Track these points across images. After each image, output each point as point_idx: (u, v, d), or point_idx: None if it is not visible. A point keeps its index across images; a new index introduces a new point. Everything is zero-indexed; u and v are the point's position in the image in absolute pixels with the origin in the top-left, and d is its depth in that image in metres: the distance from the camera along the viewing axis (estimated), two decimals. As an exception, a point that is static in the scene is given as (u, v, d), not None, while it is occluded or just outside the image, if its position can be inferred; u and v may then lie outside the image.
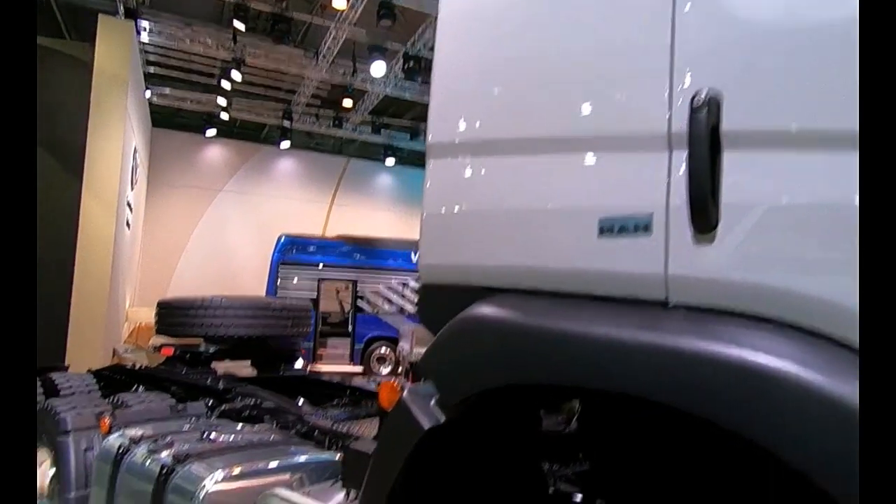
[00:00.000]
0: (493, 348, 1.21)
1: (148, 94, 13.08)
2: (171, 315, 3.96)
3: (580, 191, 1.27)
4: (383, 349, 14.17)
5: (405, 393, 1.40)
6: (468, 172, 1.46)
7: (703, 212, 1.07)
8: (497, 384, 1.20)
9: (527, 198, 1.34)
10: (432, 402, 1.34)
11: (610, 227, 1.19)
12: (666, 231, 1.12)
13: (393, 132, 16.85)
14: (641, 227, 1.15)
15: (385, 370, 12.93)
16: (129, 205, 10.15)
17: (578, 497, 1.87)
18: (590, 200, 1.24)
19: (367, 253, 15.04)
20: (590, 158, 1.26)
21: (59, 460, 2.88)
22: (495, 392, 1.27)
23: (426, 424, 1.32)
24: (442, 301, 1.44)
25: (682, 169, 1.09)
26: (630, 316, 1.11)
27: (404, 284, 15.37)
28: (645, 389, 1.01)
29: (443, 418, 1.32)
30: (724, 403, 0.92)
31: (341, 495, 1.78)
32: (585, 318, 1.14)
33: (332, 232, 16.70)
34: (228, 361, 4.23)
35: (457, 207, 1.47)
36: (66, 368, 4.68)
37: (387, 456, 1.41)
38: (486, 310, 1.29)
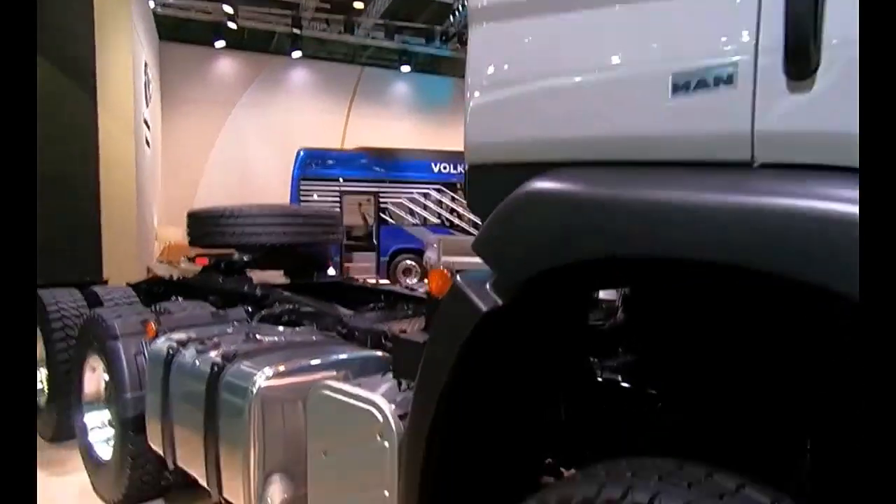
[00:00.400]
0: (561, 222, 1.13)
1: (151, 3, 12.56)
2: (202, 225, 3.96)
3: (649, 44, 1.13)
4: (408, 261, 14.34)
5: (458, 277, 1.35)
6: (518, 34, 1.31)
7: (801, 54, 0.93)
8: (564, 261, 1.13)
9: (587, 58, 1.21)
10: (488, 285, 1.29)
11: (685, 84, 1.06)
12: (753, 81, 0.99)
13: (407, 37, 16.08)
14: (723, 79, 1.02)
15: (411, 282, 13.14)
16: (146, 122, 10.02)
17: (627, 385, 1.87)
18: (661, 54, 1.11)
19: (387, 165, 14.86)
20: (659, 4, 1.11)
21: (111, 365, 2.99)
22: (549, 276, 1.20)
23: (483, 308, 1.27)
24: (492, 182, 1.35)
25: (776, 3, 0.95)
26: (713, 179, 1.01)
27: (426, 195, 15.31)
28: (734, 256, 0.92)
29: (500, 301, 1.27)
30: (829, 266, 0.83)
31: (392, 386, 1.79)
32: (663, 185, 1.04)
33: (350, 144, 16.45)
34: (261, 271, 4.27)
35: (506, 76, 1.34)
36: (105, 283, 4.80)
37: (442, 342, 1.38)
38: (548, 183, 1.19)
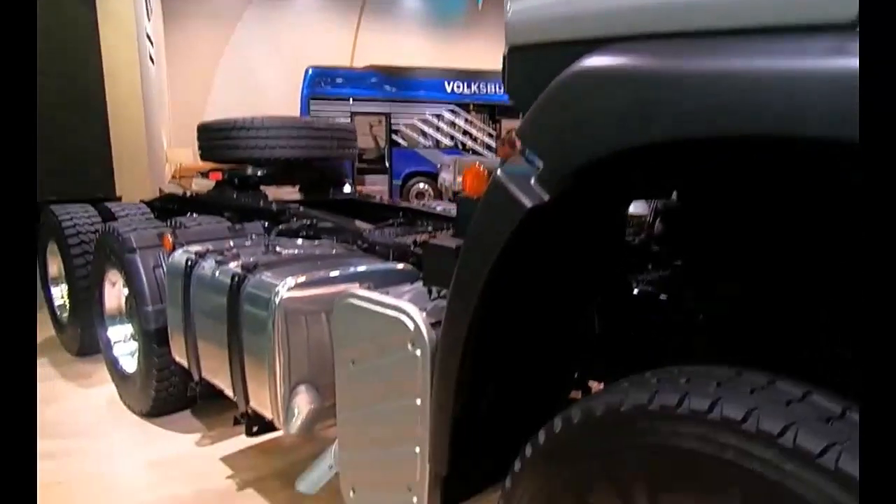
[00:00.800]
0: (623, 102, 0.99)
1: None
2: (213, 138, 3.82)
3: None
4: (421, 185, 14.14)
5: (498, 172, 1.23)
6: None
7: None
8: (625, 145, 0.99)
9: None
10: (532, 179, 1.17)
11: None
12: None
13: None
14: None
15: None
16: (149, 38, 9.62)
17: (663, 297, 1.79)
18: None
19: (399, 84, 14.35)
20: None
21: (130, 279, 2.95)
22: (600, 168, 1.08)
23: (528, 203, 1.16)
24: (537, 64, 1.20)
25: None
26: (811, 44, 0.86)
27: (439, 116, 14.86)
28: (832, 129, 0.79)
29: (546, 196, 1.16)
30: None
31: (421, 294, 1.71)
32: (748, 53, 0.89)
33: (359, 62, 15.84)
34: (276, 187, 4.16)
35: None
36: (119, 199, 4.73)
37: (480, 243, 1.28)
38: (605, 60, 1.04)
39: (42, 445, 2.87)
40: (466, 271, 1.33)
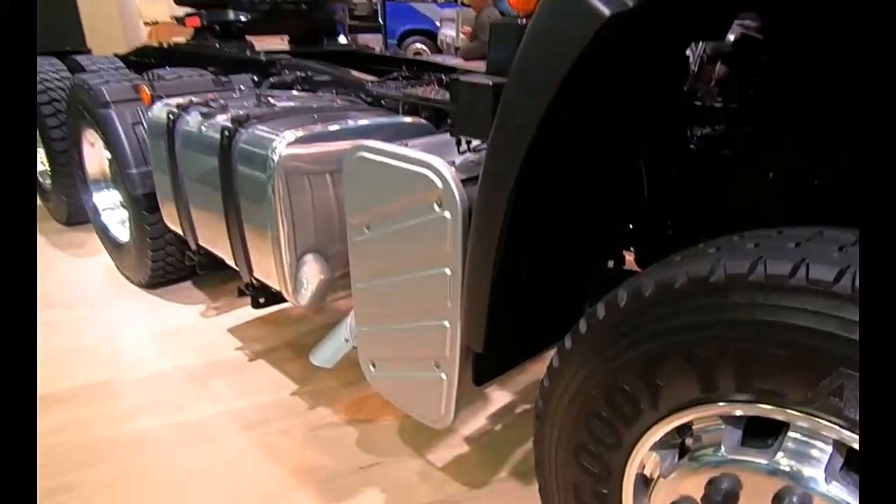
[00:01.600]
0: None
1: None
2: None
3: None
4: (418, 44, 13.14)
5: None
6: None
7: None
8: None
9: None
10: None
11: None
12: None
13: None
14: None
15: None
16: None
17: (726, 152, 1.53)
18: None
19: (391, -76, 12.79)
20: None
21: (108, 138, 2.64)
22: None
23: (607, 9, 0.86)
24: None
25: None
26: None
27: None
28: None
29: (631, 2, 0.86)
30: None
31: (448, 145, 1.44)
32: None
33: None
34: (262, 38, 3.70)
35: None
36: (88, 52, 4.25)
37: (536, 73, 0.99)
38: None
39: (42, 316, 2.76)
40: (513, 113, 1.06)
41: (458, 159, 1.38)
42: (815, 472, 0.84)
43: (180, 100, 2.21)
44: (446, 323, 1.37)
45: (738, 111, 1.50)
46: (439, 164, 1.29)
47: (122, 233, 3.08)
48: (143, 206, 2.63)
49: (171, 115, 2.13)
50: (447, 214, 1.29)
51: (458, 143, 1.42)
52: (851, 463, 0.84)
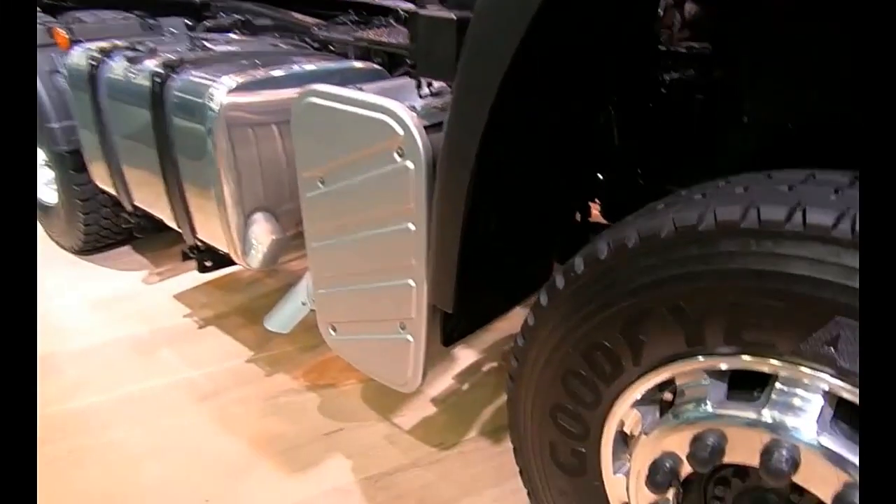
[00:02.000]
0: None
1: None
2: None
3: None
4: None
5: None
6: None
7: None
8: None
9: None
10: None
11: None
12: None
13: None
14: None
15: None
16: None
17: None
18: None
19: None
20: None
21: (23, 91, 2.37)
22: None
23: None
24: None
25: None
26: None
27: None
28: None
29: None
30: None
31: (406, 88, 1.32)
32: None
33: None
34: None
35: None
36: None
37: (506, 5, 0.89)
38: None
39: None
40: (481, 50, 0.96)
41: (419, 104, 1.27)
42: (804, 424, 0.81)
43: (103, 44, 1.98)
44: (411, 282, 1.29)
45: (709, 55, 1.42)
46: (399, 108, 1.17)
47: (50, 195, 2.82)
48: (70, 165, 2.39)
49: (92, 61, 1.90)
50: (409, 164, 1.18)
51: (419, 87, 1.31)
52: (842, 414, 0.81)
